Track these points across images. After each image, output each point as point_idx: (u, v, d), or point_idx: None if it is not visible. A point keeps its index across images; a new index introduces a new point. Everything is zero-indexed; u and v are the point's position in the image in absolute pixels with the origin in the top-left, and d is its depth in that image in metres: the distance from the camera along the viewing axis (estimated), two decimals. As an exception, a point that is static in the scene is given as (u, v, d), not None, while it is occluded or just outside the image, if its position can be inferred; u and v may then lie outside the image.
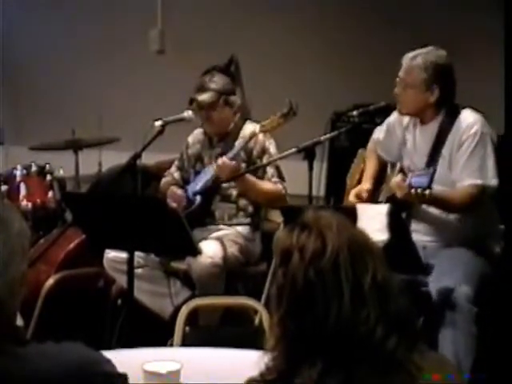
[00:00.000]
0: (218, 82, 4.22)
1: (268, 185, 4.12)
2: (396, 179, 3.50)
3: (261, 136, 4.11)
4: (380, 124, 4.06)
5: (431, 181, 3.36)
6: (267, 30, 6.18)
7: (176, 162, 4.47)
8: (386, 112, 4.03)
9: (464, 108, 3.73)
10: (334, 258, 1.65)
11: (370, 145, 4.06)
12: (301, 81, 6.01)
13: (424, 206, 3.68)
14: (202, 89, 4.19)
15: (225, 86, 4.23)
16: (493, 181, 3.62)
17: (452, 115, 3.70)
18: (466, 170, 3.62)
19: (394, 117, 3.92)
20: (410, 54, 3.71)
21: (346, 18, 6.01)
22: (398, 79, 3.72)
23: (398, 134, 3.88)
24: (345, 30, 6.01)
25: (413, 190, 3.34)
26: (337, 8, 6.02)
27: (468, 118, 3.68)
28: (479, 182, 3.60)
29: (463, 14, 5.64)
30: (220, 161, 4.01)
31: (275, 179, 4.14)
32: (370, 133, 4.14)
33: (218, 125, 4.25)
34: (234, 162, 3.99)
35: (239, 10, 6.25)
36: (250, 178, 4.07)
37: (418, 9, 5.75)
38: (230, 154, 4.06)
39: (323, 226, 1.69)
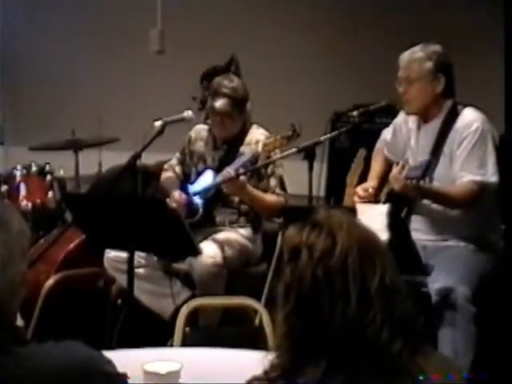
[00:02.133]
0: (236, 88, 4.11)
1: (271, 197, 4.09)
2: (393, 172, 3.52)
3: (263, 137, 4.07)
4: (380, 124, 4.07)
5: (425, 171, 3.41)
6: (267, 30, 6.18)
7: (178, 155, 4.42)
8: (386, 112, 4.03)
9: (466, 106, 3.74)
10: (343, 258, 1.65)
11: (378, 145, 4.07)
12: (301, 81, 6.02)
13: (424, 203, 3.69)
14: (219, 94, 4.09)
15: (242, 94, 4.13)
16: (493, 178, 3.63)
17: (454, 113, 3.72)
18: (465, 167, 3.63)
19: (400, 118, 3.94)
20: (406, 52, 3.74)
21: (346, 18, 6.01)
22: (398, 80, 3.72)
23: (404, 135, 3.89)
24: (345, 30, 6.02)
25: (408, 181, 3.39)
26: (337, 8, 6.02)
27: (469, 116, 3.70)
28: (479, 178, 3.61)
29: (463, 13, 5.64)
30: (227, 174, 3.96)
31: (278, 191, 4.12)
32: (370, 133, 4.14)
33: (229, 131, 4.19)
34: (241, 179, 3.93)
35: (239, 9, 6.26)
36: (254, 191, 4.04)
37: (419, 9, 5.76)
38: (235, 165, 4.00)
39: (334, 225, 1.68)
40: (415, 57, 3.70)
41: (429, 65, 3.68)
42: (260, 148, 3.96)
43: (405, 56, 3.73)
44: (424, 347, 1.70)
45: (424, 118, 3.79)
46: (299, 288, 1.66)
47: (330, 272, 1.64)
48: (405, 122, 3.90)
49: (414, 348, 1.66)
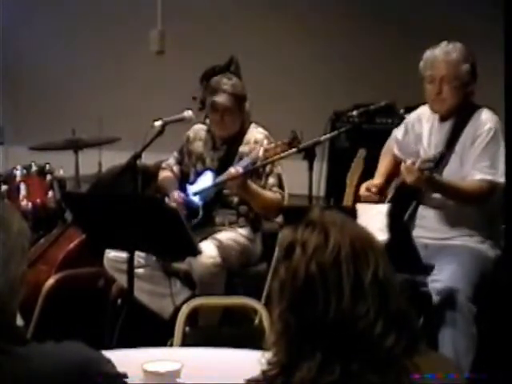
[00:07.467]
0: (235, 85, 4.16)
1: (269, 194, 4.09)
2: (406, 164, 3.50)
3: (265, 142, 4.05)
4: (380, 124, 4.07)
5: (438, 163, 3.43)
6: (267, 31, 6.18)
7: (176, 154, 4.41)
8: (386, 112, 4.03)
9: (480, 107, 3.75)
10: (336, 252, 1.66)
11: (389, 143, 4.05)
12: (301, 81, 6.02)
13: (432, 197, 3.68)
14: (219, 90, 4.12)
15: (241, 91, 4.17)
16: (502, 178, 3.63)
17: (469, 113, 3.72)
18: (477, 165, 3.63)
19: (413, 116, 3.93)
20: (438, 52, 3.72)
21: (346, 19, 6.01)
22: (430, 79, 3.70)
23: (417, 133, 3.88)
24: (345, 30, 6.02)
25: (421, 173, 3.40)
26: (337, 8, 6.02)
27: (483, 115, 3.71)
28: (489, 177, 3.61)
29: (463, 14, 5.64)
30: (233, 171, 3.93)
31: (275, 189, 4.12)
32: (370, 133, 4.14)
33: (229, 129, 4.19)
34: (243, 177, 3.91)
35: (239, 10, 6.26)
36: (253, 187, 4.03)
37: (418, 9, 5.75)
38: (241, 165, 3.99)
39: (327, 223, 1.70)
40: (453, 57, 3.69)
41: (467, 66, 3.71)
42: (261, 153, 3.96)
43: (438, 55, 3.71)
44: (419, 344, 1.70)
45: (440, 116, 3.77)
46: (293, 284, 1.68)
47: (324, 267, 1.66)
48: (418, 120, 3.89)
49: (408, 344, 1.66)
